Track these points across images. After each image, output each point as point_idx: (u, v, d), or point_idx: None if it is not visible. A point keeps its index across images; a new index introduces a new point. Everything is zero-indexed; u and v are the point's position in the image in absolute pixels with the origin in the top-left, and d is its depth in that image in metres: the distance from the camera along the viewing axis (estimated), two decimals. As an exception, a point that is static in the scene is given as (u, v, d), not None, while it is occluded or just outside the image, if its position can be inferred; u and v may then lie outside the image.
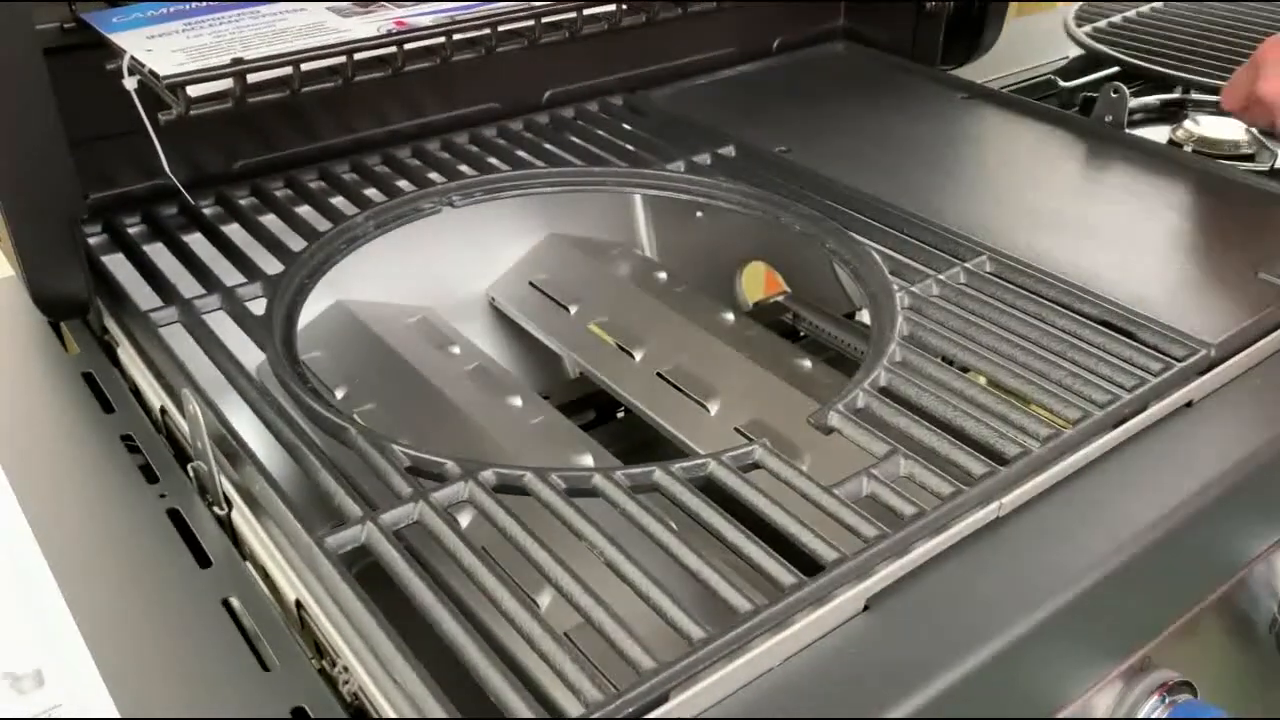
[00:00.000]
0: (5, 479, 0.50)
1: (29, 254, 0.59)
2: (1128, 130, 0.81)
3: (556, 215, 0.81)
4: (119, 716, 0.38)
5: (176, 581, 0.45)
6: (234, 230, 0.67)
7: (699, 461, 0.48)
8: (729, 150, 0.77)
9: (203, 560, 0.46)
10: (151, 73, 0.57)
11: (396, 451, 0.48)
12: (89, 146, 0.63)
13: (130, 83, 0.58)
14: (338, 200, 0.70)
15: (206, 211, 0.68)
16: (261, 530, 0.46)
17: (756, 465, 0.48)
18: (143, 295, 0.60)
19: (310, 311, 0.68)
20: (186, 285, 0.61)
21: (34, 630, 0.42)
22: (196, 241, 0.65)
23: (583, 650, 0.43)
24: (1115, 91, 0.81)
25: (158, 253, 0.64)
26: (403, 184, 0.72)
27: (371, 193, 0.71)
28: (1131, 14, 1.02)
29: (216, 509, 0.49)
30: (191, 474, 0.50)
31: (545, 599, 0.48)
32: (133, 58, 0.58)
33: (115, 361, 0.59)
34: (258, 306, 0.59)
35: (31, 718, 0.38)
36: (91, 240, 0.65)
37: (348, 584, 0.41)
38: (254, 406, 0.51)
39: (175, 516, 0.48)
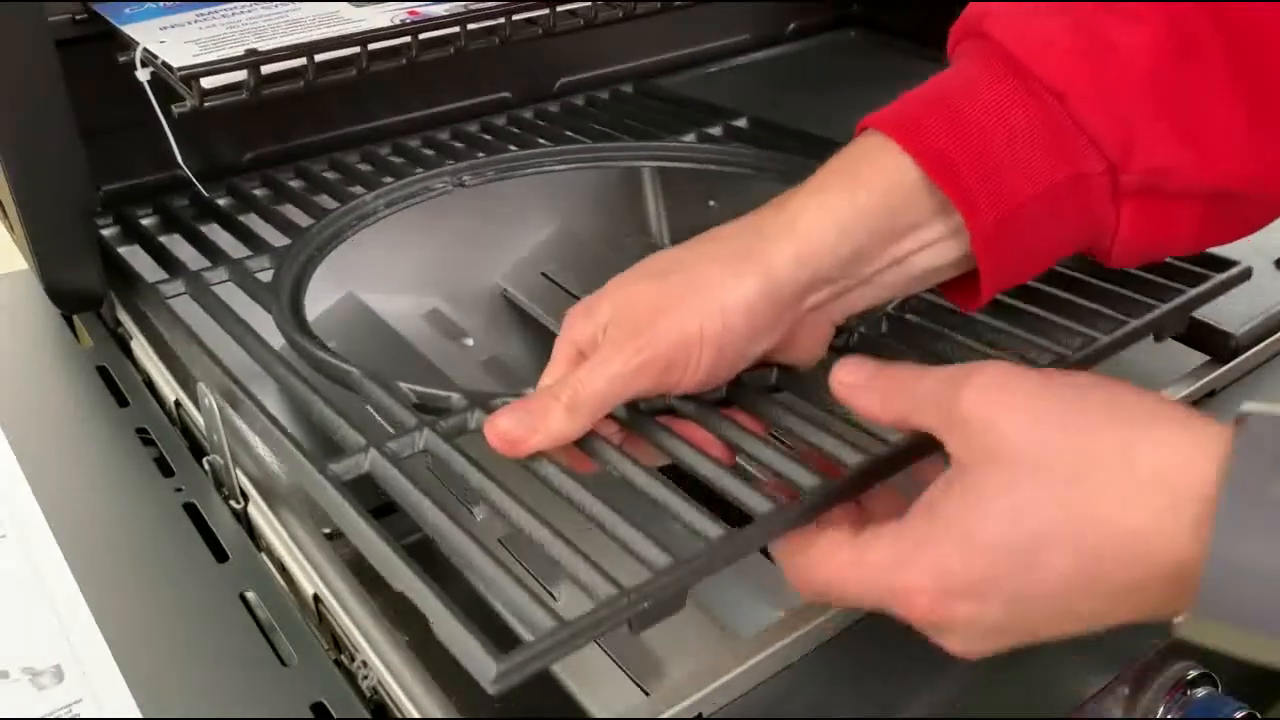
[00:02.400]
0: (21, 474, 0.50)
1: (42, 246, 0.59)
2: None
3: (568, 205, 0.81)
4: (138, 712, 0.38)
5: (193, 576, 0.45)
6: (247, 220, 0.66)
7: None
8: (742, 123, 0.76)
9: (219, 554, 0.46)
10: (165, 65, 0.56)
11: (403, 389, 0.47)
12: (101, 138, 0.63)
13: (143, 75, 0.58)
14: (353, 190, 0.69)
15: (219, 202, 0.68)
16: (278, 523, 0.46)
17: None
18: (153, 276, 0.59)
19: (322, 303, 0.68)
20: (194, 261, 0.60)
21: (52, 626, 0.42)
22: (210, 232, 0.65)
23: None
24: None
25: (171, 244, 0.64)
26: (416, 172, 0.71)
27: (385, 181, 0.70)
28: None
29: (233, 502, 0.49)
30: (207, 467, 0.50)
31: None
32: (146, 50, 0.58)
33: (129, 354, 0.59)
34: (265, 279, 0.58)
35: (52, 714, 0.38)
36: (104, 232, 0.65)
37: (364, 573, 0.40)
38: (266, 367, 0.50)
39: (191, 510, 0.48)
